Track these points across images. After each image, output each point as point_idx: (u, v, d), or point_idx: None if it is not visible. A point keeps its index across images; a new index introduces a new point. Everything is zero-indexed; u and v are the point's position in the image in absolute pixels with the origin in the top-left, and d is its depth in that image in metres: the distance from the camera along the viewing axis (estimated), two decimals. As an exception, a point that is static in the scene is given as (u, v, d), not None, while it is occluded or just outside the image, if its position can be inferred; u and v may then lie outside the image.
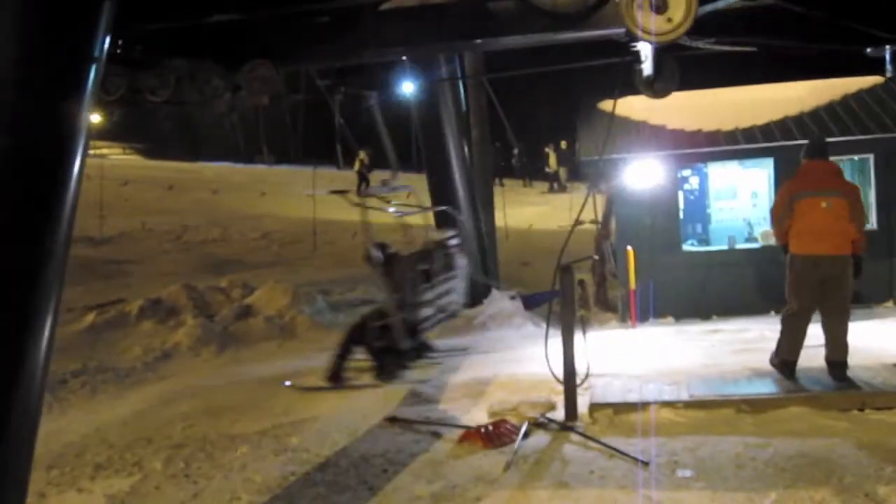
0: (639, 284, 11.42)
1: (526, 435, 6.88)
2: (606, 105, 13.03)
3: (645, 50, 7.53)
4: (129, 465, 6.99)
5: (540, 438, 6.92)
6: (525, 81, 30.21)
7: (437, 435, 7.15)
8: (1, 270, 3.61)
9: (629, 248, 11.39)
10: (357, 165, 31.19)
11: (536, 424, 7.16)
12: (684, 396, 7.33)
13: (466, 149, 11.89)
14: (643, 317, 11.70)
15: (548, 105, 39.24)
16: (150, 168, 35.80)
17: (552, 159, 31.47)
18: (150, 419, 8.32)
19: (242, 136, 62.89)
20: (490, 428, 6.95)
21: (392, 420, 7.59)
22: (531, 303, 12.58)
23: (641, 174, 12.04)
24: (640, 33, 5.86)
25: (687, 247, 12.28)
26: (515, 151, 33.02)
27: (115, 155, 57.81)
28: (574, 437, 6.87)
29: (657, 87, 8.61)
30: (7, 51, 3.70)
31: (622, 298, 12.11)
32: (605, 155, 11.78)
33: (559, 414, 7.39)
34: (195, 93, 8.97)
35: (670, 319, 11.93)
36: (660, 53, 8.08)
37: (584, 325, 7.71)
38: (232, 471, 6.66)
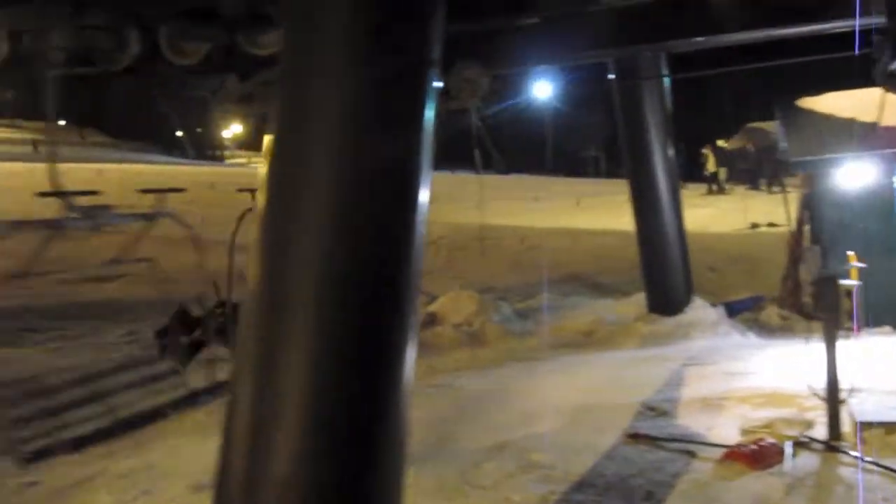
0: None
1: (792, 455, 6.47)
2: (808, 102, 12.39)
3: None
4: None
5: (807, 459, 6.48)
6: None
7: (690, 454, 6.79)
8: (376, 275, 3.49)
9: (850, 252, 10.72)
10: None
11: (798, 444, 6.73)
12: (967, 417, 6.76)
13: (672, 151, 11.49)
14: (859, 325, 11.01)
15: (697, 104, 38.26)
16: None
17: (711, 160, 30.13)
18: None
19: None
20: (754, 447, 6.55)
21: (634, 436, 7.27)
22: (733, 310, 12.06)
23: (853, 175, 11.37)
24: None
25: (905, 251, 11.53)
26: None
27: (255, 162, 59.74)
28: (844, 458, 6.42)
29: (906, 80, 8.08)
30: (343, 55, 3.57)
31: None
32: (818, 155, 11.19)
33: (818, 432, 6.93)
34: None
35: (887, 329, 11.22)
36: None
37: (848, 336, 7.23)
38: (485, 489, 6.45)
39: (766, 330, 12.13)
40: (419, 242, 3.60)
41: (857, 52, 8.98)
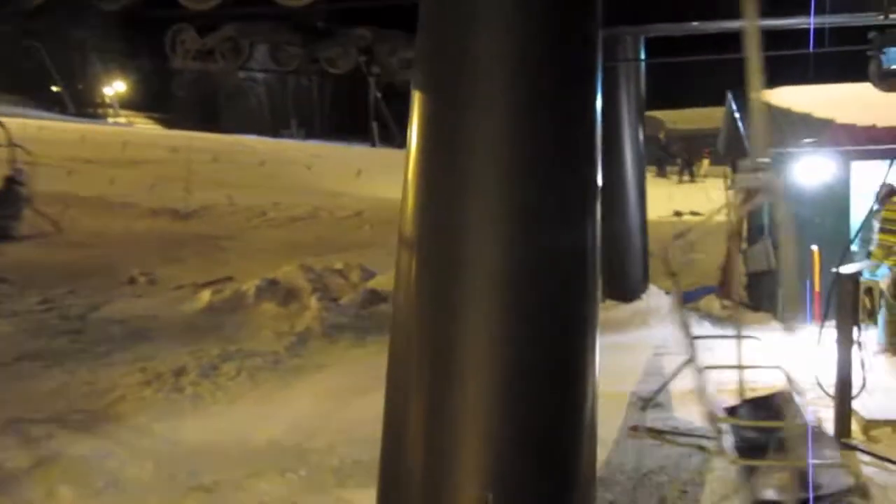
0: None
1: (809, 454, 6.35)
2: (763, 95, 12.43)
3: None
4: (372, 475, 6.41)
5: (823, 458, 6.38)
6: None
7: (702, 449, 6.62)
8: (559, 264, 3.11)
9: (814, 247, 10.80)
10: None
11: (809, 441, 6.63)
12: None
13: (641, 137, 11.32)
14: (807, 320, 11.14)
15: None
16: (194, 139, 35.06)
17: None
18: (355, 417, 7.75)
19: (268, 108, 61.96)
20: (772, 445, 6.40)
21: (636, 429, 7.05)
22: (684, 299, 12.02)
23: (810, 170, 11.46)
24: None
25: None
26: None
27: (139, 123, 57.16)
28: (861, 456, 6.36)
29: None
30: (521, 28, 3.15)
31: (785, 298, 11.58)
32: (776, 148, 11.22)
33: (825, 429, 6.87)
34: (378, 65, 8.44)
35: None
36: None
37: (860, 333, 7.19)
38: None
39: (712, 319, 12.16)
40: (598, 231, 3.20)
41: (812, 48, 9.00)
